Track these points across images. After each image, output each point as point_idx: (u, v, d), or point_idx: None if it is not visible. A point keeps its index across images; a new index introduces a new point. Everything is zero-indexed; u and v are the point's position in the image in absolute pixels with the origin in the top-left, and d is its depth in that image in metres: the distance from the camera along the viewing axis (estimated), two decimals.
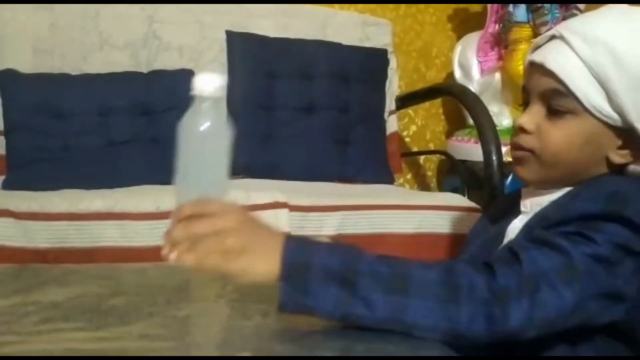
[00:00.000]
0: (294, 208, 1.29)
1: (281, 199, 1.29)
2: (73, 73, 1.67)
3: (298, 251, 0.57)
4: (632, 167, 0.71)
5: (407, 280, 0.57)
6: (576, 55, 0.69)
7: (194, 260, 0.56)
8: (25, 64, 1.64)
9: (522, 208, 0.79)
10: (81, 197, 1.11)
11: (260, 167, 1.78)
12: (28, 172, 1.44)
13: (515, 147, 0.77)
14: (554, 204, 0.72)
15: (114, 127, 1.59)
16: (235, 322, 0.63)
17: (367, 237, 1.32)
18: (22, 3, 1.69)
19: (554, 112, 0.72)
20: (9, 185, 1.34)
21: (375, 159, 1.94)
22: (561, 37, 0.71)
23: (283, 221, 1.27)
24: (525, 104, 0.77)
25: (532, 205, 0.78)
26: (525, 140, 0.75)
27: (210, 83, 0.59)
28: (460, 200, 1.49)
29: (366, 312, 0.56)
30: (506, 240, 0.79)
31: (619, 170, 0.72)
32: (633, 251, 0.63)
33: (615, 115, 0.69)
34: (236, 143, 2.05)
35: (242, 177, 1.75)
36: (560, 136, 0.71)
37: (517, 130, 0.77)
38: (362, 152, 1.91)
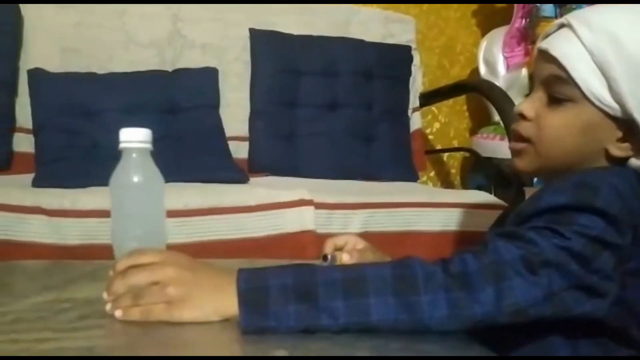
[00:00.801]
0: (319, 206, 1.28)
1: (307, 196, 1.28)
2: (99, 72, 1.69)
3: (252, 278, 0.58)
4: (633, 161, 0.69)
5: (363, 281, 0.57)
6: (580, 41, 0.68)
7: (138, 315, 0.57)
8: (53, 63, 1.66)
9: None
10: (109, 195, 1.12)
11: (283, 165, 1.79)
12: (56, 170, 1.46)
13: (514, 136, 0.76)
14: (529, 198, 0.70)
15: (139, 125, 1.61)
16: None
17: (393, 235, 1.31)
18: (48, 3, 1.71)
19: (554, 100, 0.71)
20: (38, 183, 1.36)
21: (399, 156, 1.93)
22: (569, 25, 0.70)
23: (309, 219, 1.26)
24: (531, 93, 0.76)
25: None
26: (523, 127, 0.74)
27: (136, 136, 0.60)
28: (487, 197, 1.47)
29: (330, 321, 0.56)
30: None
31: (619, 164, 0.70)
32: (610, 243, 0.60)
33: (614, 105, 0.67)
34: (260, 141, 2.05)
35: (266, 175, 1.75)
36: (558, 124, 0.70)
37: (517, 117, 0.75)
38: (385, 149, 1.90)
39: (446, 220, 1.36)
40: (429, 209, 1.36)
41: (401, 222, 1.33)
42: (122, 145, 0.61)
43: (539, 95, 0.73)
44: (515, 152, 0.76)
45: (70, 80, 1.64)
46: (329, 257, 0.83)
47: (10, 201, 1.11)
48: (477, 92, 1.92)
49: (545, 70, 0.72)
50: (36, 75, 1.64)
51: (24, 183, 1.34)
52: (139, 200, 0.62)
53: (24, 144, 1.63)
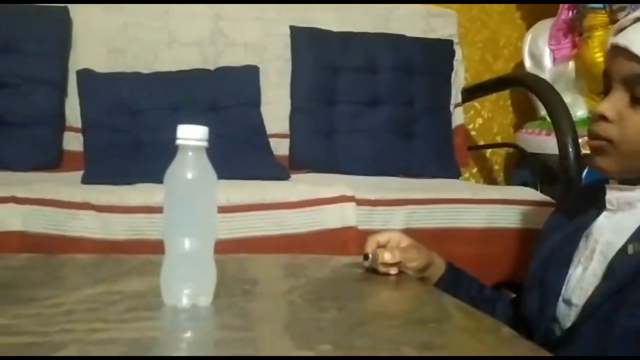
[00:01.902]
0: (361, 202, 1.28)
1: (348, 193, 1.28)
2: (144, 72, 1.73)
3: None
4: None
5: None
6: None
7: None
8: (101, 64, 1.71)
9: (608, 205, 0.75)
10: (155, 191, 1.15)
11: (324, 162, 1.79)
12: (104, 167, 1.50)
13: (592, 136, 0.73)
14: None
15: (183, 123, 1.63)
16: (310, 314, 0.63)
17: (436, 232, 1.29)
18: (96, 3, 1.76)
19: (638, 100, 0.68)
20: (87, 180, 1.40)
21: (440, 152, 1.90)
22: None
23: (350, 215, 1.26)
24: (606, 91, 0.73)
25: (619, 203, 0.74)
26: (604, 128, 0.71)
27: (193, 133, 0.62)
28: (533, 194, 1.43)
29: None
30: (592, 238, 0.75)
31: None
32: None
33: None
34: (300, 138, 2.04)
35: (307, 172, 1.76)
36: None
37: (597, 118, 0.73)
38: (427, 145, 1.87)
39: (491, 217, 1.33)
40: (473, 206, 1.33)
41: (444, 218, 1.31)
42: (178, 142, 0.62)
43: (620, 95, 0.70)
44: (594, 151, 0.74)
45: (117, 80, 1.69)
46: (370, 255, 0.82)
47: (61, 197, 1.15)
48: (522, 87, 1.88)
49: (625, 68, 0.69)
50: (85, 75, 1.69)
51: (73, 180, 1.38)
52: (192, 197, 0.62)
53: (73, 142, 1.68)
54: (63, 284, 0.74)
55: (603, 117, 0.71)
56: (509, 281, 1.28)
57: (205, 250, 0.64)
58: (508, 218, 1.34)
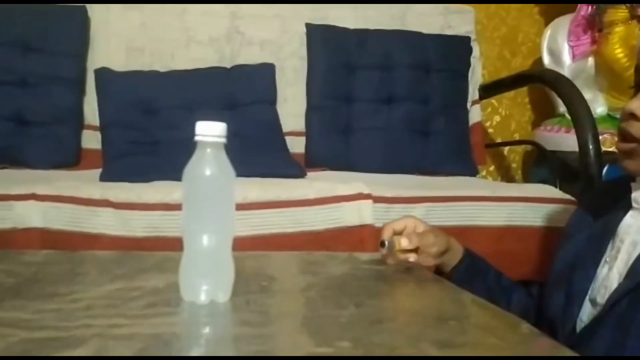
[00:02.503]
0: (378, 200, 1.27)
1: (365, 190, 1.27)
2: (162, 70, 1.74)
3: None
4: None
5: None
6: None
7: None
8: (119, 63, 1.72)
9: (633, 204, 0.74)
10: (173, 189, 1.15)
11: (340, 160, 1.78)
12: (122, 165, 1.51)
13: (622, 136, 0.72)
14: None
15: (200, 121, 1.64)
16: (329, 311, 0.63)
17: (454, 230, 1.27)
18: (114, 3, 1.78)
19: None
20: (105, 178, 1.41)
21: (457, 150, 1.88)
22: None
23: (367, 213, 1.25)
24: (637, 87, 0.72)
25: None
26: (635, 127, 0.70)
27: (212, 130, 0.62)
28: (552, 192, 1.42)
29: None
30: (618, 238, 0.74)
31: None
32: None
33: None
34: (316, 136, 2.03)
35: (323, 170, 1.75)
36: None
37: (627, 116, 0.71)
38: (443, 143, 1.86)
39: (510, 215, 1.31)
40: (491, 203, 1.32)
41: (462, 216, 1.30)
42: (197, 138, 0.62)
43: None
44: (625, 154, 0.73)
45: (134, 78, 1.70)
46: (387, 242, 0.81)
47: (81, 195, 1.16)
48: (541, 83, 1.85)
49: None
50: (103, 74, 1.70)
51: (92, 178, 1.40)
52: (211, 194, 0.63)
53: (92, 140, 1.70)
54: (83, 280, 0.75)
55: (633, 116, 0.70)
56: (527, 280, 1.27)
57: (223, 246, 0.64)
58: (527, 216, 1.33)
